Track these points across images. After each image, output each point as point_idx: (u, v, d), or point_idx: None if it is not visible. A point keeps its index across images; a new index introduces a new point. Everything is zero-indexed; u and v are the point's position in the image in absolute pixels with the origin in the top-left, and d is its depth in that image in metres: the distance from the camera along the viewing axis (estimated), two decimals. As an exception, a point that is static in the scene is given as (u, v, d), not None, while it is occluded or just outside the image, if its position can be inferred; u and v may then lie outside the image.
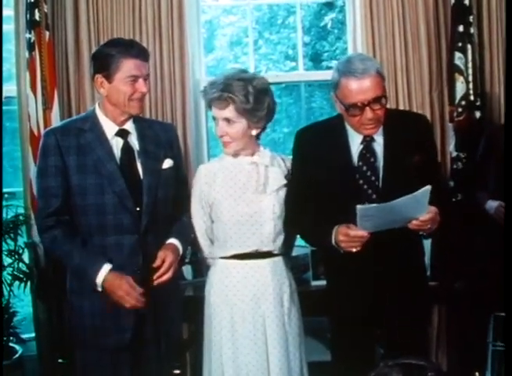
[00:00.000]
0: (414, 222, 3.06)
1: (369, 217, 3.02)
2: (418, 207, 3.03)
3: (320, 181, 3.28)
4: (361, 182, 3.30)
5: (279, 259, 3.48)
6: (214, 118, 3.41)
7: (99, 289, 3.28)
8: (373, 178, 3.29)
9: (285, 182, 3.46)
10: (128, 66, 3.29)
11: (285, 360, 3.39)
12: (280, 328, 3.40)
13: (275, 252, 3.46)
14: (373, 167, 3.30)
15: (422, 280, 3.50)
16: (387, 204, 3.00)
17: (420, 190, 2.96)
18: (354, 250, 3.14)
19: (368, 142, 3.31)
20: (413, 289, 3.36)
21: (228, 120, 3.35)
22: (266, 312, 3.40)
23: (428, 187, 2.95)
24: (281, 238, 3.47)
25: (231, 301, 3.40)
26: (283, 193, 3.44)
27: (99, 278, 3.26)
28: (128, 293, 3.26)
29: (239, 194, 3.38)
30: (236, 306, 3.40)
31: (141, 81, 3.33)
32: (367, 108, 3.16)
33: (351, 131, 3.34)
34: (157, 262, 3.35)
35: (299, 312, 3.54)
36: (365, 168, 3.31)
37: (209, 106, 3.41)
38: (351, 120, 3.26)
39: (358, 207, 2.99)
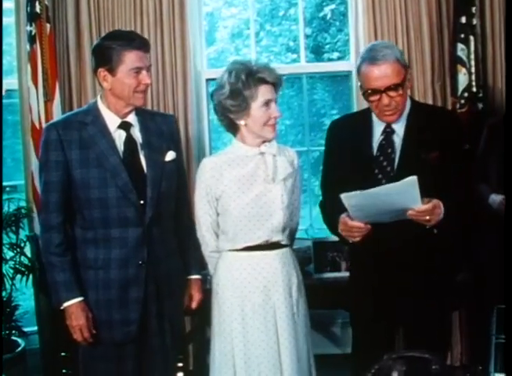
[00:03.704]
0: (410, 212, 3.07)
1: (356, 206, 3.05)
2: (407, 197, 3.02)
3: (343, 169, 3.30)
4: (376, 171, 3.34)
5: (286, 250, 3.48)
6: (266, 102, 3.32)
7: (61, 308, 3.35)
8: (389, 168, 3.33)
9: (291, 170, 3.46)
10: (130, 59, 3.27)
11: (295, 351, 3.38)
12: (290, 319, 3.39)
13: (283, 243, 3.45)
14: (390, 157, 3.35)
15: (442, 275, 3.47)
16: (369, 190, 3.03)
17: (404, 180, 2.98)
18: (352, 240, 3.21)
19: (388, 133, 3.37)
20: (432, 284, 3.36)
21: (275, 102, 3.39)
22: (277, 304, 3.38)
23: (413, 178, 2.95)
24: (289, 228, 3.48)
25: (242, 294, 3.38)
26: (289, 183, 3.44)
27: (67, 303, 3.32)
28: (81, 327, 3.31)
29: (247, 186, 3.36)
30: (246, 298, 3.37)
31: (144, 72, 3.32)
32: (384, 94, 3.24)
33: (375, 121, 3.41)
34: (195, 305, 3.66)
35: (306, 302, 3.54)
36: (382, 157, 3.36)
37: (254, 87, 3.31)
38: (370, 106, 3.36)
39: (342, 195, 3.03)
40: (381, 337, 3.43)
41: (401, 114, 3.36)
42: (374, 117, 3.41)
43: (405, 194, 3.00)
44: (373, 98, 3.29)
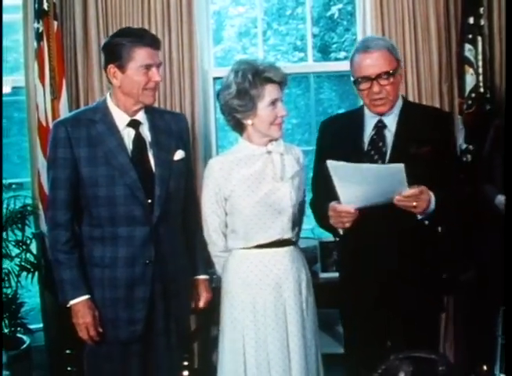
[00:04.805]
0: (397, 197, 3.08)
1: (343, 180, 3.06)
2: (394, 182, 3.03)
3: None
4: None
5: (295, 247, 3.49)
6: (272, 102, 3.33)
7: (67, 305, 3.34)
8: (380, 162, 3.33)
9: (298, 168, 3.47)
10: (140, 56, 3.27)
11: (303, 348, 3.39)
12: (299, 316, 3.39)
13: (293, 240, 3.47)
14: (381, 152, 3.36)
15: (433, 272, 3.48)
16: (356, 164, 3.08)
17: (391, 165, 3.05)
18: (341, 225, 3.21)
19: (379, 127, 3.39)
20: (424, 280, 3.37)
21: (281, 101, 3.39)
22: (287, 301, 3.39)
23: (401, 165, 2.98)
24: (297, 225, 3.50)
25: (253, 291, 3.38)
26: (296, 181, 3.45)
27: (73, 301, 3.32)
28: (87, 325, 3.31)
29: (256, 185, 3.36)
30: (257, 295, 3.38)
31: (154, 69, 3.31)
32: (374, 82, 3.29)
33: (367, 117, 3.43)
34: (202, 304, 3.66)
35: (314, 300, 3.54)
36: (373, 152, 3.37)
37: (261, 86, 3.31)
38: (361, 95, 3.38)
39: (328, 161, 3.06)
40: (374, 331, 3.42)
41: (391, 106, 3.39)
42: (366, 113, 3.44)
43: (392, 177, 3.03)
44: (363, 86, 3.32)
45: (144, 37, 3.31)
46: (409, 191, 3.06)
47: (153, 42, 3.33)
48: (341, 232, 3.28)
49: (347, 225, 3.19)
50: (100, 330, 3.34)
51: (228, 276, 3.46)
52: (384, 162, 3.32)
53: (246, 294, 3.39)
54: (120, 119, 3.37)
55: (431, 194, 3.15)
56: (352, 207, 3.13)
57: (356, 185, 3.06)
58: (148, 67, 3.29)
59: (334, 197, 3.17)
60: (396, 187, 3.06)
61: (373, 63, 3.28)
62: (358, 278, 3.42)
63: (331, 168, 3.05)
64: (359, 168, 3.06)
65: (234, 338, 3.39)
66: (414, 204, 3.10)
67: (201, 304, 3.65)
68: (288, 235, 3.42)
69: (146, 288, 3.35)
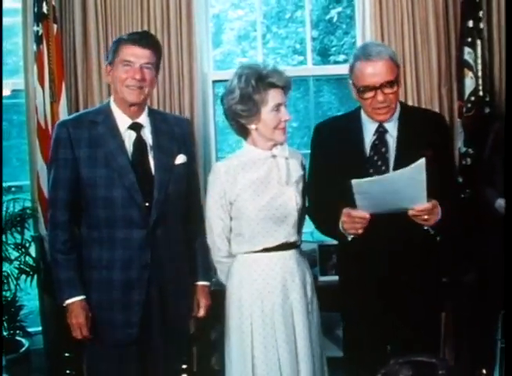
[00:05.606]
0: (411, 211, 3.08)
1: (365, 193, 3.03)
2: (414, 186, 3.01)
3: (333, 171, 3.30)
4: (371, 171, 3.32)
5: (300, 250, 3.51)
6: (276, 106, 3.33)
7: (63, 305, 3.35)
8: (384, 168, 3.32)
9: (302, 173, 3.49)
10: (123, 51, 3.30)
11: (310, 349, 3.39)
12: (305, 318, 3.40)
13: (298, 243, 3.48)
14: (384, 157, 3.34)
15: (435, 277, 3.48)
16: (381, 177, 3.07)
17: (412, 165, 2.98)
18: (354, 231, 3.18)
19: (381, 132, 3.37)
20: (426, 285, 3.37)
21: (284, 105, 3.38)
22: (294, 303, 3.39)
23: (422, 161, 2.96)
24: (301, 229, 3.51)
25: (261, 295, 3.38)
26: (300, 185, 3.46)
27: (69, 301, 3.33)
28: (80, 325, 3.32)
29: (261, 189, 3.37)
30: (265, 299, 3.37)
31: (136, 67, 3.30)
32: (378, 91, 3.25)
33: (366, 122, 3.40)
34: (202, 313, 3.62)
35: (317, 302, 3.56)
36: (376, 157, 3.35)
37: (264, 92, 3.31)
38: (364, 104, 3.34)
39: (353, 181, 3.01)
40: (375, 335, 3.42)
41: (393, 113, 3.37)
42: (364, 118, 3.42)
43: (412, 181, 3.00)
44: (367, 95, 3.28)
45: (134, 35, 3.36)
46: (424, 205, 3.06)
47: (141, 40, 3.33)
48: (349, 237, 3.27)
49: (360, 231, 3.17)
50: (93, 331, 3.34)
51: (233, 281, 3.46)
52: (387, 168, 3.31)
53: (254, 298, 3.38)
54: (122, 121, 3.38)
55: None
56: (367, 213, 3.12)
57: (377, 195, 3.04)
58: (128, 64, 3.30)
59: (339, 200, 3.17)
60: (415, 190, 3.03)
61: (376, 72, 3.25)
62: (360, 282, 3.41)
63: (356, 187, 3.02)
64: (384, 180, 3.05)
65: (242, 344, 3.38)
66: (426, 217, 3.11)
67: (201, 313, 3.62)
68: (293, 238, 3.43)
69: (142, 291, 3.35)
